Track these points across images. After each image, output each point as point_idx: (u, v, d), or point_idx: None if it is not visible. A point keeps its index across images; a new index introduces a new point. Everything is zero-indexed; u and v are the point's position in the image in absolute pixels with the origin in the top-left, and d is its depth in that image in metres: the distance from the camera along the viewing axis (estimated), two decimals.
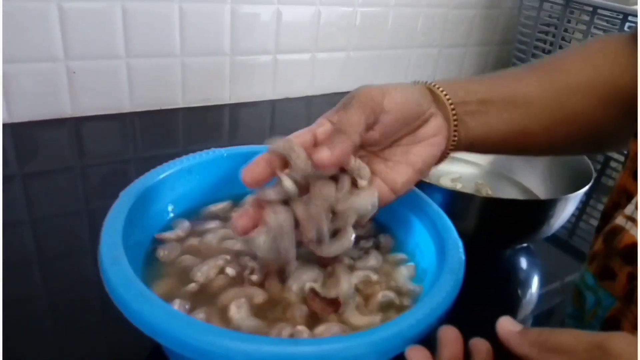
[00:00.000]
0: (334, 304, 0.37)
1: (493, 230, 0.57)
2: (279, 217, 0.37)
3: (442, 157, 0.44)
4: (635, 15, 0.93)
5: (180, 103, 0.90)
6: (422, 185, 0.50)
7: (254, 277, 0.39)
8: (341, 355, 0.30)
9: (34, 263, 0.50)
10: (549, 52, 1.09)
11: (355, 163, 0.40)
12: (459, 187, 0.68)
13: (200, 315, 0.36)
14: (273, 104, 1.00)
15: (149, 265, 0.41)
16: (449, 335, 0.31)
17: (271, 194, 0.38)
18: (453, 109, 0.42)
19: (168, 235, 0.44)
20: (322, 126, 0.39)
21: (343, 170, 0.39)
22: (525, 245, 0.63)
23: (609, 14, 1.00)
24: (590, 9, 0.99)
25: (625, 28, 0.95)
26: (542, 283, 0.58)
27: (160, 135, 0.83)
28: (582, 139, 0.48)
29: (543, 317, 0.53)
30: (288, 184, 0.37)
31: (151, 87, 0.86)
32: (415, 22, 1.11)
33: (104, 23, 0.77)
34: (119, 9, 0.77)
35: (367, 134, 0.39)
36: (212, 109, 0.93)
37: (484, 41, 1.27)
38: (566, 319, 0.42)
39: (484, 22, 1.24)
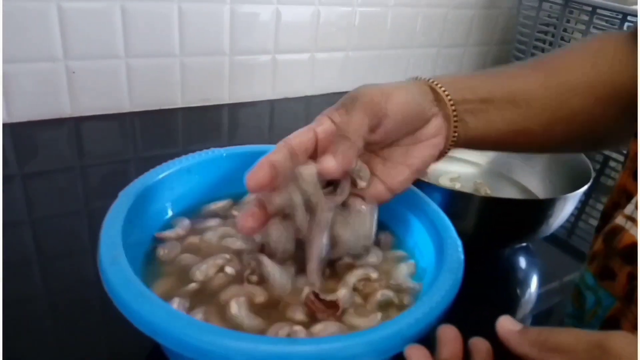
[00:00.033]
0: (334, 307, 0.37)
1: (492, 229, 0.57)
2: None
3: (441, 155, 0.44)
4: (634, 15, 0.93)
5: (179, 103, 0.90)
6: (421, 184, 0.50)
7: (254, 277, 0.39)
8: (340, 354, 0.30)
9: (34, 263, 0.50)
10: (548, 52, 1.09)
11: (357, 165, 0.40)
12: (457, 186, 0.68)
13: (199, 314, 0.36)
14: (272, 103, 1.00)
15: (149, 264, 0.41)
16: (448, 335, 0.31)
17: (276, 199, 0.38)
18: (454, 108, 0.42)
19: (168, 234, 0.44)
20: (322, 124, 0.39)
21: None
22: (524, 244, 0.63)
23: (608, 14, 1.00)
24: (590, 8, 0.99)
25: (624, 28, 0.95)
26: (541, 282, 0.58)
27: (160, 135, 0.83)
28: (580, 137, 0.48)
29: (542, 317, 0.53)
30: (297, 199, 0.38)
31: (151, 87, 0.86)
32: (414, 22, 1.11)
33: (104, 23, 0.77)
34: (119, 9, 0.77)
35: (369, 136, 0.39)
36: (212, 109, 0.93)
37: (483, 41, 1.27)
38: (566, 318, 0.42)
39: (483, 22, 1.24)
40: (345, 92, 0.40)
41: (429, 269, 0.42)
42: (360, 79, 1.06)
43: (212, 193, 0.49)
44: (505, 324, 0.29)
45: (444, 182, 0.69)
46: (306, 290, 0.38)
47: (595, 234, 0.40)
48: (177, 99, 0.90)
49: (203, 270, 0.40)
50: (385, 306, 0.39)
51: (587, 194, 0.65)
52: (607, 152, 0.97)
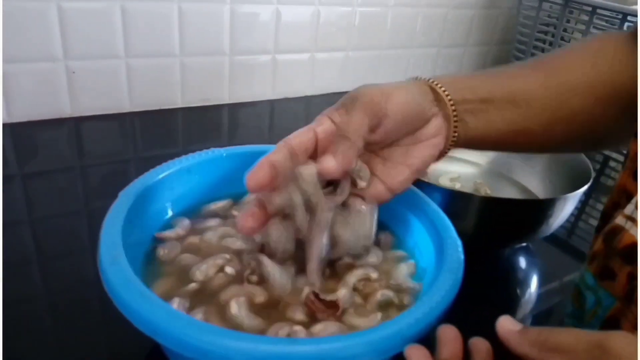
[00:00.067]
0: (334, 307, 0.37)
1: (492, 229, 0.57)
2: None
3: (441, 155, 0.44)
4: (634, 15, 0.93)
5: (179, 103, 0.90)
6: (421, 184, 0.50)
7: (254, 277, 0.39)
8: (340, 354, 0.30)
9: (34, 263, 0.50)
10: (548, 52, 1.09)
11: (357, 165, 0.40)
12: (457, 186, 0.68)
13: (199, 314, 0.36)
14: (272, 103, 1.00)
15: (149, 264, 0.41)
16: (448, 334, 0.31)
17: (276, 199, 0.38)
18: (454, 108, 0.42)
19: (168, 234, 0.44)
20: (322, 124, 0.39)
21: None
22: (524, 244, 0.63)
23: (608, 14, 1.00)
24: (590, 8, 0.99)
25: (624, 28, 0.95)
26: (541, 282, 0.58)
27: (160, 135, 0.83)
28: (580, 137, 0.48)
29: (542, 317, 0.53)
30: (297, 199, 0.38)
31: (150, 87, 0.86)
32: (414, 22, 1.11)
33: (104, 23, 0.77)
34: (119, 9, 0.77)
35: (369, 136, 0.39)
36: (212, 109, 0.93)
37: (483, 41, 1.27)
38: (566, 318, 0.42)
39: (483, 22, 1.24)
40: (345, 92, 0.40)
41: (429, 269, 0.42)
42: (360, 79, 1.06)
43: (212, 193, 0.49)
44: (505, 324, 0.29)
45: (444, 182, 0.69)
46: (306, 290, 0.38)
47: (595, 234, 0.40)
48: (177, 99, 0.90)
49: (203, 270, 0.40)
50: (385, 306, 0.39)
51: (587, 194, 0.65)
52: (607, 152, 0.97)
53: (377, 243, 0.46)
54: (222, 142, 0.84)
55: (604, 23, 1.02)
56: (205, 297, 0.38)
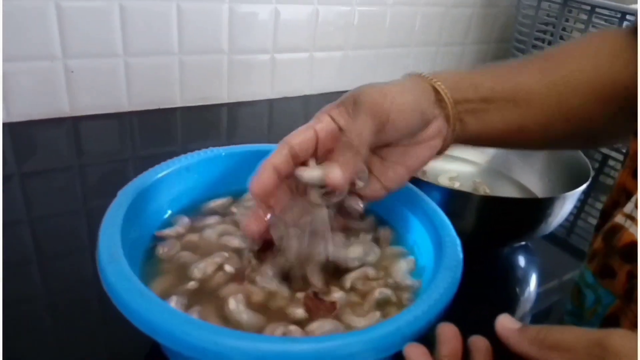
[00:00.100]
0: (331, 306, 0.38)
1: (491, 228, 0.57)
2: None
3: (438, 155, 0.44)
4: (633, 14, 0.93)
5: (178, 102, 0.90)
6: (419, 183, 0.50)
7: (255, 275, 0.39)
8: (339, 353, 0.30)
9: (33, 262, 0.50)
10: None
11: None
12: (456, 185, 0.68)
13: (197, 312, 0.36)
14: (271, 103, 1.00)
15: (148, 263, 0.41)
16: (448, 333, 0.31)
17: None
18: (455, 109, 0.42)
19: (168, 232, 0.44)
20: (321, 122, 0.39)
21: None
22: (523, 243, 0.63)
23: (607, 13, 1.00)
24: (589, 7, 0.99)
25: (623, 27, 0.95)
26: (541, 281, 0.59)
27: (159, 134, 0.83)
28: (578, 134, 0.48)
29: (541, 315, 0.53)
30: (315, 197, 0.39)
31: (149, 85, 0.86)
32: (413, 21, 1.11)
33: (102, 21, 0.77)
34: (117, 8, 0.77)
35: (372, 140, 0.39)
36: (210, 108, 0.93)
37: (481, 39, 1.27)
38: (565, 316, 0.42)
39: (481, 21, 1.24)
40: (344, 92, 0.40)
41: (428, 267, 0.42)
42: (359, 78, 1.06)
43: (211, 192, 0.49)
44: (505, 323, 0.29)
45: (443, 181, 0.69)
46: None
47: (595, 233, 0.40)
48: (176, 98, 0.90)
49: (201, 269, 0.40)
50: (383, 304, 0.39)
51: (586, 192, 0.65)
52: (606, 151, 0.97)
53: (376, 239, 0.46)
54: (221, 141, 0.84)
55: (602, 22, 1.02)
56: (204, 295, 0.38)
